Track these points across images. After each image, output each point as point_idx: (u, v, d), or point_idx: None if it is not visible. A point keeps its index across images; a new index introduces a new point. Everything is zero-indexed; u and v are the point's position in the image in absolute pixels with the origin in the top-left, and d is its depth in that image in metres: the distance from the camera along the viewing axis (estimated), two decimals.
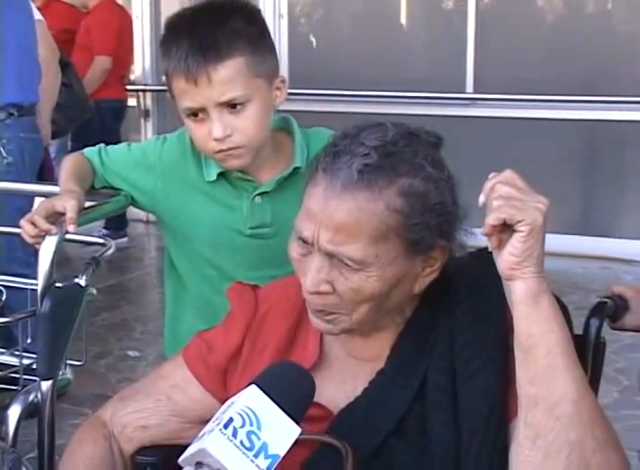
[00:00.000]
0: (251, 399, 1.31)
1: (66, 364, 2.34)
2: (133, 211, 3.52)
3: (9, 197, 3.57)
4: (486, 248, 1.45)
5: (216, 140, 2.04)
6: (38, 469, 2.10)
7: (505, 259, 1.41)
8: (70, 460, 1.74)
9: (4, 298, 3.01)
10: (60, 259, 2.10)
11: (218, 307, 1.91)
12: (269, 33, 2.13)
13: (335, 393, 1.61)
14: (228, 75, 2.01)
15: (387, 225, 1.51)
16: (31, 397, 2.03)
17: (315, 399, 1.44)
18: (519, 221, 1.38)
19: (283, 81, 2.14)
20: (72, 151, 2.40)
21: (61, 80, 4.53)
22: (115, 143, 2.36)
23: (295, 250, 1.59)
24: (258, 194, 2.17)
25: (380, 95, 6.97)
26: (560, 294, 1.51)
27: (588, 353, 1.69)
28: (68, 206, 2.04)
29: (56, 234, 2.05)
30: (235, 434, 1.26)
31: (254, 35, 2.06)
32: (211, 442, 1.25)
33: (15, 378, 2.57)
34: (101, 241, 2.60)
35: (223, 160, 2.10)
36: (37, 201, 2.69)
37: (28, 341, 2.59)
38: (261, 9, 2.19)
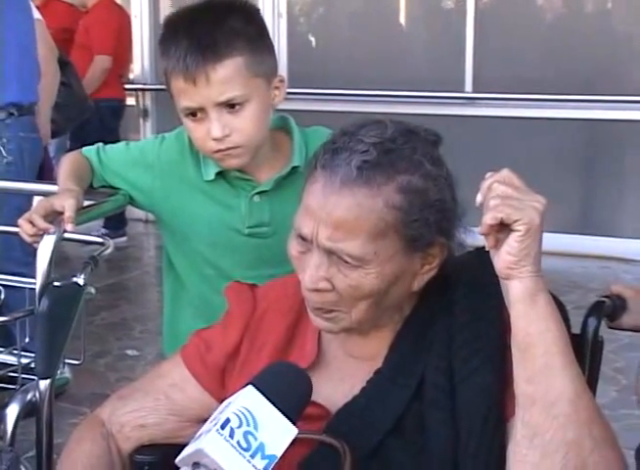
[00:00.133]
0: (248, 400, 1.30)
1: (64, 363, 2.34)
2: (132, 211, 3.52)
3: (8, 196, 3.57)
4: (484, 247, 1.45)
5: (215, 140, 2.04)
6: (37, 468, 2.09)
7: (502, 259, 1.41)
8: (69, 459, 1.74)
9: (2, 296, 3.01)
10: (58, 259, 2.10)
11: (217, 307, 1.91)
12: (268, 33, 2.13)
13: (332, 392, 1.61)
14: (227, 75, 2.00)
15: (385, 222, 1.51)
16: (29, 396, 2.03)
17: (313, 397, 1.44)
18: (516, 221, 1.38)
19: (282, 81, 2.13)
20: (71, 150, 2.39)
21: (60, 80, 4.53)
22: (114, 142, 2.35)
23: (293, 247, 1.59)
24: (257, 193, 2.17)
25: (379, 94, 6.97)
26: (559, 293, 1.51)
27: (586, 353, 1.69)
28: (67, 205, 2.04)
29: (54, 233, 2.05)
30: (232, 434, 1.26)
31: (253, 35, 2.06)
32: (208, 442, 1.25)
33: (13, 377, 2.57)
34: (99, 240, 2.60)
35: (222, 159, 2.10)
36: (36, 200, 2.69)
37: (27, 340, 2.58)
38: (260, 8, 2.19)
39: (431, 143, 1.59)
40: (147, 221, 7.52)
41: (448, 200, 1.56)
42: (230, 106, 2.02)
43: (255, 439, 1.27)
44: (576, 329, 1.67)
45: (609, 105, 6.66)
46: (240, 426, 1.27)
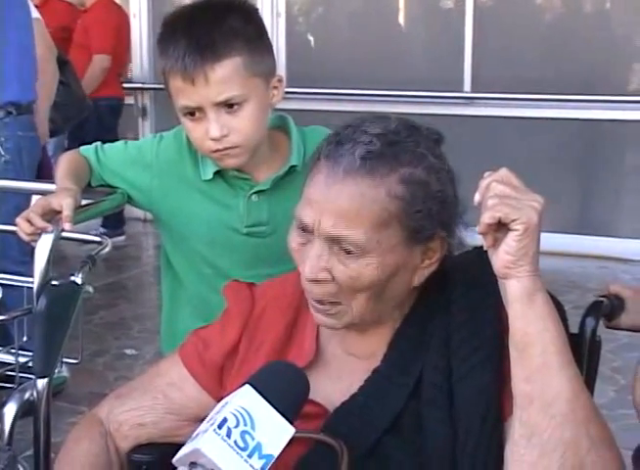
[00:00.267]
0: (245, 399, 1.30)
1: (62, 362, 2.34)
2: (131, 210, 3.52)
3: (6, 195, 3.57)
4: (482, 246, 1.45)
5: (213, 139, 2.04)
6: (34, 467, 2.09)
7: (500, 258, 1.41)
8: (67, 458, 1.74)
9: (0, 295, 3.01)
10: (56, 258, 2.10)
11: (215, 306, 1.91)
12: (267, 32, 2.13)
13: (331, 390, 1.61)
14: (225, 75, 2.00)
15: (388, 212, 1.51)
16: (27, 394, 2.03)
17: (311, 396, 1.44)
18: (514, 220, 1.38)
19: (280, 80, 2.13)
20: (69, 149, 2.39)
21: (58, 79, 4.53)
22: (113, 141, 2.35)
23: (294, 239, 1.60)
24: (255, 192, 2.17)
25: (377, 94, 6.97)
26: (557, 293, 1.51)
27: (584, 352, 1.69)
28: (65, 203, 2.04)
29: (52, 232, 2.05)
30: (229, 434, 1.26)
31: (252, 34, 2.06)
32: (205, 442, 1.25)
33: (10, 376, 2.57)
34: (97, 239, 2.60)
35: (220, 159, 2.10)
36: (35, 199, 2.69)
37: (24, 339, 2.58)
38: (259, 8, 2.19)
39: (433, 140, 1.60)
40: (145, 220, 7.52)
41: (450, 193, 1.57)
42: (228, 105, 2.02)
43: (253, 438, 1.27)
44: (574, 329, 1.67)
45: (608, 105, 6.67)
46: (237, 426, 1.27)
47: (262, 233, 2.18)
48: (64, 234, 2.11)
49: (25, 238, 2.08)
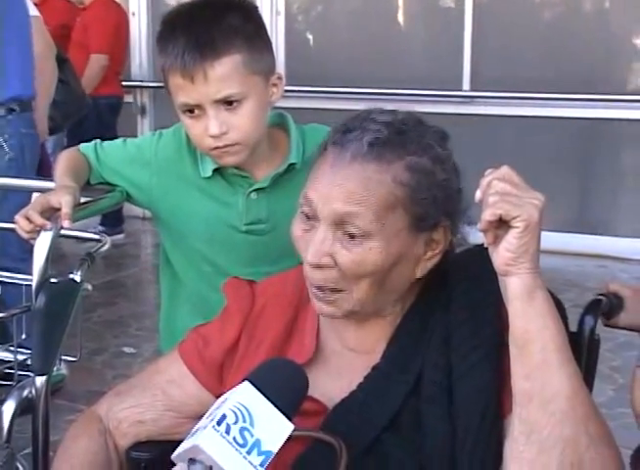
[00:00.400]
0: (244, 396, 1.30)
1: (60, 360, 2.34)
2: (130, 208, 3.52)
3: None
4: (483, 244, 1.45)
5: (212, 137, 2.04)
6: (33, 465, 2.09)
7: (501, 255, 1.41)
8: (65, 455, 1.74)
9: None
10: (55, 256, 2.10)
11: (214, 304, 1.92)
12: (266, 30, 2.13)
13: (330, 387, 1.62)
14: (224, 72, 2.00)
15: (395, 196, 1.53)
16: (26, 392, 2.03)
17: (310, 393, 1.44)
18: (514, 217, 1.38)
19: (279, 78, 2.13)
20: (69, 147, 2.39)
21: (57, 77, 4.53)
22: (112, 139, 2.35)
23: (298, 226, 1.60)
24: (254, 190, 2.17)
25: (376, 92, 6.96)
26: (555, 291, 1.51)
27: (582, 351, 1.69)
28: (64, 201, 2.04)
29: (51, 229, 2.05)
30: (228, 430, 1.26)
31: (251, 32, 2.06)
32: (204, 438, 1.25)
33: (9, 374, 2.56)
34: (96, 237, 2.60)
35: (219, 156, 2.10)
36: (35, 196, 2.69)
37: (23, 336, 2.58)
38: (258, 6, 2.19)
39: (440, 135, 1.62)
40: (144, 218, 7.51)
41: (455, 184, 1.59)
42: (228, 103, 2.02)
43: (252, 435, 1.27)
44: (573, 327, 1.67)
45: (606, 104, 6.67)
46: (236, 422, 1.27)
47: (261, 231, 2.18)
48: (63, 232, 2.11)
49: (25, 235, 2.08)
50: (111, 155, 2.27)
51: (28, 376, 2.09)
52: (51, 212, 2.06)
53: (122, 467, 1.79)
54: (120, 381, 2.01)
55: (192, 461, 1.26)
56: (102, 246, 2.42)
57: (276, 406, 1.31)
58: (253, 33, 2.06)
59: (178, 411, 1.77)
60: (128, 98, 7.84)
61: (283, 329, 1.71)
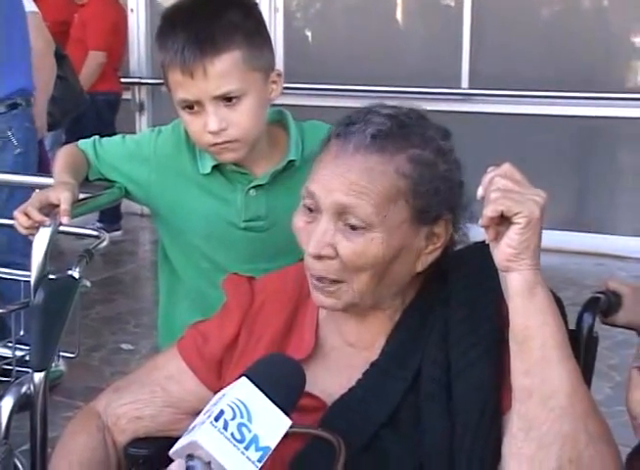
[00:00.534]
0: (242, 392, 1.31)
1: (59, 356, 2.34)
2: (128, 204, 3.51)
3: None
4: (484, 241, 1.46)
5: (211, 133, 2.04)
6: (31, 461, 2.09)
7: (502, 251, 1.42)
8: (63, 451, 1.74)
9: None
10: (53, 253, 2.10)
11: (212, 300, 1.92)
12: (266, 27, 2.13)
13: (329, 383, 1.62)
14: (224, 69, 2.00)
15: (397, 188, 1.53)
16: (24, 388, 2.03)
17: (309, 389, 1.45)
18: (516, 213, 1.39)
19: (279, 75, 2.13)
20: (67, 143, 2.39)
21: (56, 73, 4.52)
22: (110, 135, 2.35)
23: (299, 218, 1.61)
24: (253, 187, 2.16)
25: (375, 90, 6.95)
26: (554, 290, 1.51)
27: (581, 348, 1.70)
28: (62, 197, 2.04)
29: (49, 225, 2.05)
30: (226, 426, 1.26)
31: (251, 29, 2.06)
32: (202, 434, 1.25)
33: (7, 370, 2.56)
34: (95, 233, 2.59)
35: (218, 153, 2.09)
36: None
37: (21, 332, 2.58)
38: (257, 2, 2.19)
39: (442, 131, 1.63)
40: (142, 215, 7.50)
41: (457, 176, 1.60)
42: (227, 99, 2.02)
43: (249, 431, 1.27)
44: (572, 325, 1.67)
45: (605, 102, 6.67)
46: (234, 418, 1.27)
47: (260, 228, 2.18)
48: (61, 228, 2.11)
49: (23, 232, 2.08)
50: (109, 151, 2.26)
51: (27, 372, 2.09)
52: (50, 209, 2.06)
53: (120, 463, 1.79)
54: (118, 377, 2.01)
55: (190, 457, 1.26)
56: (100, 242, 2.41)
57: (274, 402, 1.31)
58: (253, 30, 2.05)
59: (177, 407, 1.77)
60: (126, 95, 7.83)
61: (282, 325, 1.71)
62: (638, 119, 6.65)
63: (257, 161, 2.16)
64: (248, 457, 1.26)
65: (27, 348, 2.34)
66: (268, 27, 2.15)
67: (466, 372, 1.52)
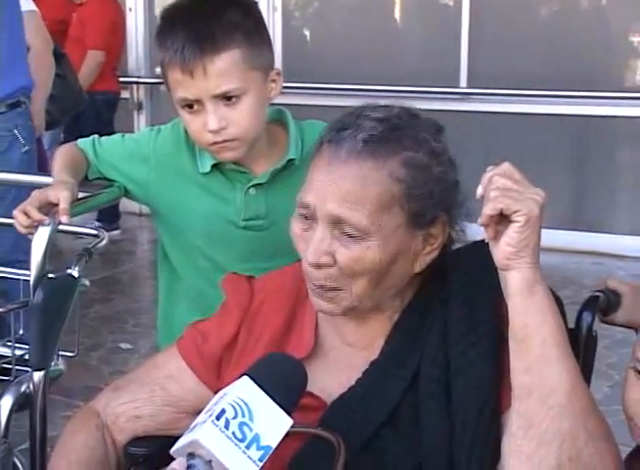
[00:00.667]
0: (243, 391, 1.31)
1: (58, 355, 2.33)
2: (126, 204, 3.50)
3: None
4: (483, 239, 1.46)
5: (211, 132, 2.04)
6: (30, 460, 2.09)
7: (501, 249, 1.42)
8: (63, 450, 1.74)
9: None
10: (52, 252, 2.10)
11: (212, 299, 1.92)
12: (265, 26, 2.13)
13: (329, 382, 1.62)
14: (224, 67, 2.00)
15: (391, 194, 1.53)
16: (23, 387, 2.03)
17: (309, 388, 1.44)
18: (515, 211, 1.39)
19: (278, 74, 2.13)
20: (65, 143, 2.39)
21: (55, 71, 4.52)
22: (109, 135, 2.35)
23: (296, 225, 1.61)
24: (252, 186, 2.16)
25: (373, 89, 6.95)
26: (552, 289, 1.51)
27: (580, 346, 1.70)
28: (62, 196, 2.04)
29: (49, 224, 2.05)
30: (227, 425, 1.26)
31: (251, 27, 2.06)
32: (203, 433, 1.25)
33: (7, 369, 2.56)
34: (94, 232, 2.59)
35: (218, 152, 2.09)
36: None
37: (21, 331, 2.58)
38: (256, 1, 2.19)
39: (435, 128, 1.62)
40: (141, 215, 7.51)
41: (451, 177, 1.60)
42: (227, 98, 2.02)
43: (251, 430, 1.27)
44: (571, 324, 1.67)
45: (603, 101, 6.67)
46: (235, 417, 1.27)
47: (260, 226, 2.18)
48: (60, 227, 2.10)
49: (23, 231, 2.08)
50: (109, 150, 2.26)
51: (26, 371, 2.09)
52: (49, 208, 2.06)
53: (120, 462, 1.79)
54: (117, 377, 2.01)
55: (191, 456, 1.26)
56: (100, 241, 2.41)
57: (275, 401, 1.31)
58: (253, 29, 2.05)
59: (176, 407, 1.77)
60: (125, 94, 7.82)
61: (282, 324, 1.71)
62: (637, 119, 6.65)
63: (257, 159, 2.16)
64: (249, 456, 1.26)
65: (27, 347, 2.33)
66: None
67: (465, 371, 1.52)
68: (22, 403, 2.04)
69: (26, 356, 2.35)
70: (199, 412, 1.35)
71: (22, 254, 3.47)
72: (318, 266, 1.56)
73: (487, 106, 7.01)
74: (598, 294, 1.82)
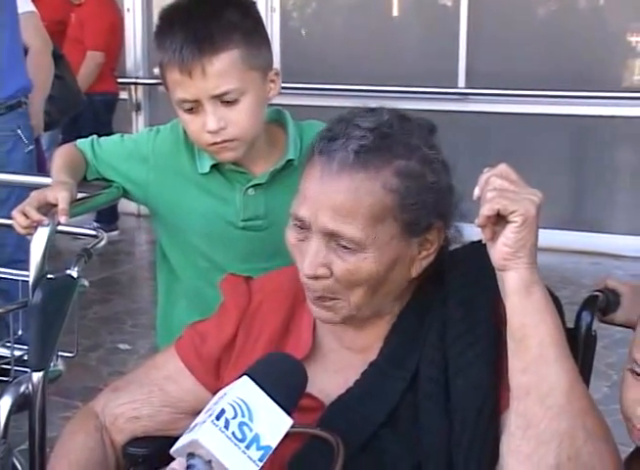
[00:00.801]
0: (243, 391, 1.31)
1: (57, 356, 2.33)
2: (125, 205, 3.51)
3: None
4: (480, 240, 1.46)
5: (210, 132, 2.04)
6: (29, 461, 2.09)
7: (498, 250, 1.42)
8: (62, 451, 1.74)
9: None
10: (51, 253, 2.09)
11: (211, 300, 1.92)
12: (264, 26, 2.13)
13: (327, 383, 1.62)
14: (223, 68, 2.00)
15: (384, 205, 1.52)
16: (22, 388, 2.03)
17: (307, 389, 1.44)
18: (512, 212, 1.39)
19: (277, 74, 2.13)
20: (64, 144, 2.39)
21: (54, 72, 4.53)
22: (108, 135, 2.35)
23: (291, 235, 1.60)
24: (251, 186, 2.16)
25: (371, 89, 6.95)
26: (551, 289, 1.51)
27: (579, 346, 1.70)
28: (60, 197, 2.03)
29: (48, 225, 2.05)
30: (227, 425, 1.26)
31: (249, 28, 2.06)
32: (203, 433, 1.25)
33: (6, 369, 2.56)
34: (93, 233, 2.59)
35: (217, 152, 2.09)
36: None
37: (20, 332, 2.57)
38: (255, 1, 2.19)
39: (426, 130, 1.61)
40: (139, 215, 7.51)
41: (444, 183, 1.59)
42: (226, 99, 2.02)
43: (250, 430, 1.27)
44: (570, 324, 1.67)
45: (602, 101, 6.67)
46: (235, 417, 1.27)
47: (259, 227, 2.18)
48: (59, 228, 2.10)
49: (21, 231, 2.08)
50: (107, 150, 2.26)
51: (25, 372, 2.09)
52: (48, 208, 2.05)
53: (119, 463, 1.79)
54: (115, 377, 2.01)
55: (191, 456, 1.26)
56: (99, 242, 2.41)
57: (275, 401, 1.31)
58: (252, 29, 2.05)
59: (175, 407, 1.77)
60: (123, 95, 7.81)
61: (280, 325, 1.71)
62: (635, 118, 6.66)
63: (256, 160, 2.16)
64: (249, 456, 1.26)
65: (26, 347, 2.33)
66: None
67: (464, 371, 1.52)
68: (22, 404, 2.04)
69: (25, 357, 2.35)
70: (197, 413, 1.35)
71: (24, 254, 3.48)
72: (315, 278, 1.56)
73: (486, 106, 7.01)
74: (597, 293, 1.83)
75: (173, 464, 1.27)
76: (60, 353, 2.37)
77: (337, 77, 7.31)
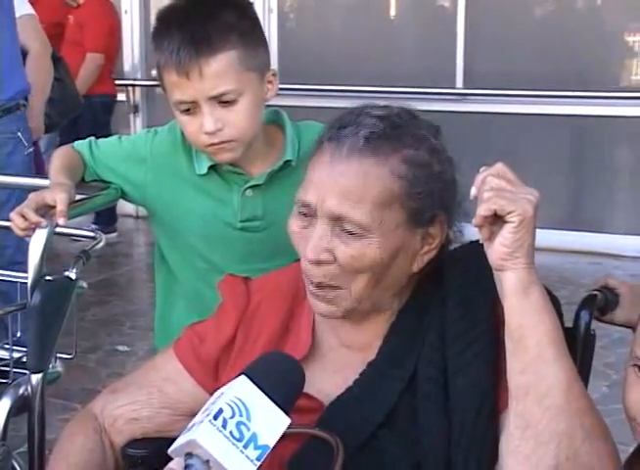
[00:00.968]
0: (241, 390, 1.31)
1: (56, 358, 2.33)
2: (123, 206, 3.51)
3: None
4: (478, 240, 1.46)
5: (208, 134, 2.04)
6: (28, 463, 2.09)
7: (496, 250, 1.42)
8: (61, 453, 1.74)
9: None
10: (49, 255, 2.09)
11: (209, 301, 1.92)
12: (261, 27, 2.13)
13: (326, 383, 1.62)
14: (220, 69, 2.00)
15: (392, 191, 1.54)
16: (21, 390, 2.03)
17: (306, 389, 1.44)
18: (509, 212, 1.39)
19: (274, 75, 2.13)
20: (61, 146, 2.39)
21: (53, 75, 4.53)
22: (106, 137, 2.35)
23: (295, 223, 1.61)
24: (249, 187, 2.16)
25: (369, 90, 6.95)
26: (550, 289, 1.51)
27: (578, 346, 1.70)
28: (59, 198, 2.03)
29: (46, 227, 2.05)
30: (224, 425, 1.26)
31: (247, 29, 2.06)
32: (201, 433, 1.25)
33: (5, 371, 2.56)
34: (91, 234, 2.58)
35: (214, 153, 2.09)
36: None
37: (18, 334, 2.57)
38: (252, 2, 2.19)
39: (434, 128, 1.63)
40: (137, 217, 7.51)
41: (450, 174, 1.60)
42: (223, 100, 2.02)
43: (248, 429, 1.27)
44: (568, 324, 1.67)
45: (600, 101, 6.67)
46: (232, 416, 1.27)
47: (257, 228, 2.18)
48: (58, 229, 2.10)
49: (20, 233, 2.08)
50: (105, 152, 2.26)
51: (24, 374, 2.09)
52: (46, 210, 2.05)
53: (118, 465, 1.79)
54: (114, 379, 2.01)
55: (189, 455, 1.26)
56: (97, 243, 2.41)
57: (273, 401, 1.31)
58: (249, 30, 2.06)
59: (173, 409, 1.77)
60: (121, 96, 7.81)
61: (279, 325, 1.71)
62: (633, 118, 6.66)
63: (254, 161, 2.16)
64: (246, 456, 1.26)
65: (25, 349, 2.33)
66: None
67: (462, 371, 1.52)
68: (21, 406, 2.04)
69: (24, 359, 2.35)
70: (196, 414, 1.34)
71: (23, 255, 3.47)
72: (318, 263, 1.56)
73: (484, 106, 7.01)
74: (596, 293, 1.83)
75: (171, 464, 1.27)
76: (58, 355, 2.37)
77: (334, 78, 7.31)
